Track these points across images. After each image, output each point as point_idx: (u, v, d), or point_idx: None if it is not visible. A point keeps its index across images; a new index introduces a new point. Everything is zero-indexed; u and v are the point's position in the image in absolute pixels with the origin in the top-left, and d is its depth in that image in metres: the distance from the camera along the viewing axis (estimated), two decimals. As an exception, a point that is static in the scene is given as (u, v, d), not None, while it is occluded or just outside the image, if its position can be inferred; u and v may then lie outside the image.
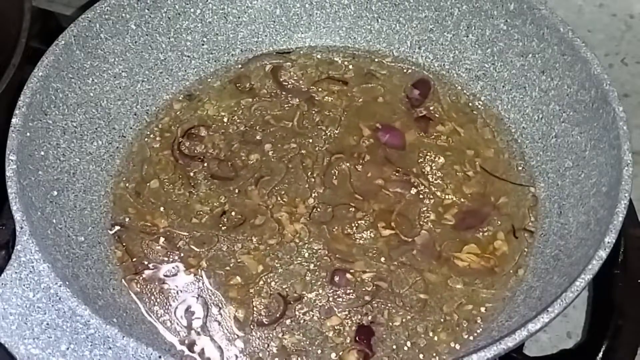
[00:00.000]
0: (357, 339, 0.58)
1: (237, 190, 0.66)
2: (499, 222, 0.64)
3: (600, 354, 0.61)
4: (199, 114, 0.72)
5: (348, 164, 0.67)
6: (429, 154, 0.68)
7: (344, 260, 0.62)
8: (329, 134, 0.70)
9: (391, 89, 0.73)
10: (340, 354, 0.58)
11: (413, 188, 0.66)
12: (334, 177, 0.67)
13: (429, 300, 0.60)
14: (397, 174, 0.67)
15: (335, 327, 0.59)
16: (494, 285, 0.61)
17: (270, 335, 0.59)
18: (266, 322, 0.59)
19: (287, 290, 0.61)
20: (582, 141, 0.63)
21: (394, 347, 0.58)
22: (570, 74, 0.64)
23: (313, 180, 0.67)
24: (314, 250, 0.63)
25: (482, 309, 0.60)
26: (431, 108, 0.71)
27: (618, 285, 0.64)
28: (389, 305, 0.60)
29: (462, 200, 0.65)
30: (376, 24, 0.75)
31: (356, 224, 0.64)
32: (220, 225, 0.64)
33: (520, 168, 0.67)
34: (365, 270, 0.61)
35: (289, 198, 0.66)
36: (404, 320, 0.59)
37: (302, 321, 0.59)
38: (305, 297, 0.60)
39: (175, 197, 0.66)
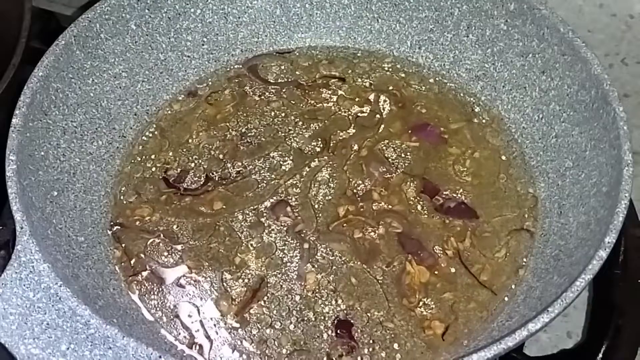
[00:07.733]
0: (337, 333, 0.58)
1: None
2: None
3: (600, 354, 0.61)
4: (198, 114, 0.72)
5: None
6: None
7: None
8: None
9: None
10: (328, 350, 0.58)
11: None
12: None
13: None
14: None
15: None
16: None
17: (269, 331, 0.59)
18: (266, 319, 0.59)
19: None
20: (582, 141, 0.63)
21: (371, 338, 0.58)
22: (570, 74, 0.64)
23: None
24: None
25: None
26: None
27: (618, 285, 0.64)
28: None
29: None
30: (376, 24, 0.75)
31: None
32: (218, 226, 0.64)
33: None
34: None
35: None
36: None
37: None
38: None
39: (176, 197, 0.66)
